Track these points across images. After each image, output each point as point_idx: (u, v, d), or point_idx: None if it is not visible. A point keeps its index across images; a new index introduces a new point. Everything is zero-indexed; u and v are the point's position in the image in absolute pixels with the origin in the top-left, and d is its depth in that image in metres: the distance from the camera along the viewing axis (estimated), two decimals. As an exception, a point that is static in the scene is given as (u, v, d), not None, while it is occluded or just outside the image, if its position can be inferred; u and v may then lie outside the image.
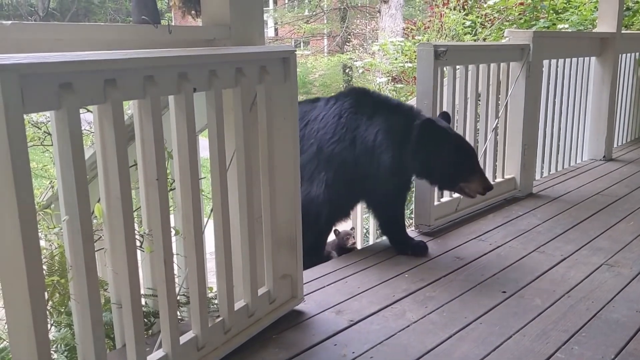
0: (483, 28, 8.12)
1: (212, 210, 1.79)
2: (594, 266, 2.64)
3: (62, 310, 1.94)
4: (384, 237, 3.02)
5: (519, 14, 7.78)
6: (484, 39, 7.80)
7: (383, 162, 2.62)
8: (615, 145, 5.22)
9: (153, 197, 1.56)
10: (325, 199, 2.67)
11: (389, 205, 2.91)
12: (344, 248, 3.83)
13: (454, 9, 8.33)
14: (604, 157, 4.85)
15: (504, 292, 2.38)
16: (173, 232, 1.75)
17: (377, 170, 2.65)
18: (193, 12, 2.06)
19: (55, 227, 2.02)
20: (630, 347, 1.95)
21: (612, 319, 2.14)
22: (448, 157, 2.66)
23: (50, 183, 2.47)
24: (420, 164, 2.65)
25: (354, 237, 3.82)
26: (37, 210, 1.90)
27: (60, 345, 1.88)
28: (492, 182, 3.58)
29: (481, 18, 8.26)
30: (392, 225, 2.92)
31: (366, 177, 2.69)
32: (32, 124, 2.36)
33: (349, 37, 18.79)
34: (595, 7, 6.70)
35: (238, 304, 1.92)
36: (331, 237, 3.70)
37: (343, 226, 3.51)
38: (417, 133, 2.59)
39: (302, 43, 21.77)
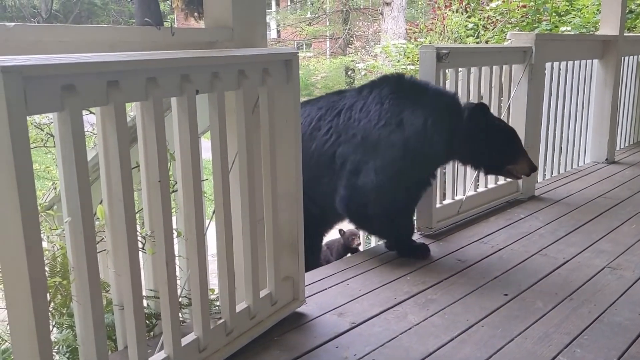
0: (485, 30, 8.12)
1: (214, 212, 1.80)
2: (597, 269, 2.63)
3: (64, 311, 1.94)
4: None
5: (522, 17, 7.78)
6: (487, 42, 7.80)
7: (435, 145, 2.62)
8: (617, 148, 5.21)
9: (155, 198, 1.56)
10: (376, 185, 2.62)
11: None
12: (350, 248, 3.80)
13: (457, 11, 8.34)
14: (607, 159, 4.84)
15: (506, 294, 2.37)
16: (175, 233, 1.76)
17: (428, 151, 2.64)
18: (196, 14, 2.07)
19: (57, 229, 2.03)
20: (632, 350, 1.94)
21: (615, 322, 2.14)
22: (498, 140, 2.73)
23: (52, 184, 2.47)
24: (470, 147, 2.70)
25: (359, 237, 3.80)
26: (40, 211, 1.90)
27: (62, 347, 1.89)
28: (494, 184, 3.60)
29: (484, 20, 8.26)
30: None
31: (414, 162, 2.65)
32: (35, 126, 2.37)
33: (352, 39, 18.81)
34: (597, 10, 6.70)
35: (240, 306, 1.92)
36: (335, 236, 3.69)
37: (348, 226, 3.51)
38: (471, 116, 2.64)
39: (304, 45, 21.79)
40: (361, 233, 3.68)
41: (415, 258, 2.76)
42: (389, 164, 2.63)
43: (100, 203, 1.76)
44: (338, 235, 3.72)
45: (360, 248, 3.74)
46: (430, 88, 2.77)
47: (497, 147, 2.74)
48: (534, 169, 2.89)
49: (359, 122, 2.67)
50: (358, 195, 2.66)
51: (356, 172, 2.66)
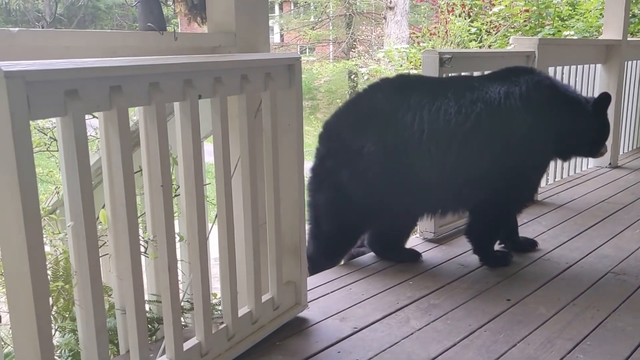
0: (488, 35, 8.13)
1: (216, 217, 1.80)
2: (600, 274, 2.63)
3: (67, 315, 1.95)
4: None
5: (524, 21, 7.79)
6: (489, 46, 7.81)
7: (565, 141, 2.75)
8: (620, 153, 5.20)
9: (158, 203, 1.56)
10: (526, 186, 2.79)
11: None
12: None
13: (459, 16, 8.35)
14: (610, 164, 4.83)
15: (509, 299, 2.37)
16: (177, 238, 1.76)
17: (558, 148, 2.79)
18: (199, 19, 2.07)
19: (60, 233, 2.03)
20: (635, 356, 1.94)
21: (618, 328, 2.13)
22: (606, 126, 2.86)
23: (55, 188, 2.48)
24: (590, 138, 2.83)
25: None
26: (43, 215, 1.90)
27: (65, 351, 1.89)
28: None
29: (486, 25, 8.28)
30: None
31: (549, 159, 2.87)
32: (38, 130, 2.38)
33: (355, 43, 18.82)
34: (600, 14, 6.70)
35: (242, 311, 1.92)
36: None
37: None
38: (599, 106, 2.77)
39: (307, 49, 21.83)
40: None
41: (495, 267, 2.72)
42: (538, 165, 2.77)
43: (103, 207, 1.76)
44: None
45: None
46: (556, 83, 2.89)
47: (605, 133, 2.87)
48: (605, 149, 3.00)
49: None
50: (509, 197, 2.71)
51: (513, 175, 2.63)
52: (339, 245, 2.77)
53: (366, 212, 2.61)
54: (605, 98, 2.80)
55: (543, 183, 4.26)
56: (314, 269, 2.62)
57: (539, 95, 2.64)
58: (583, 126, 2.76)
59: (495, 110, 2.54)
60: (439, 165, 2.51)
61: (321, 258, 2.68)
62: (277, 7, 22.23)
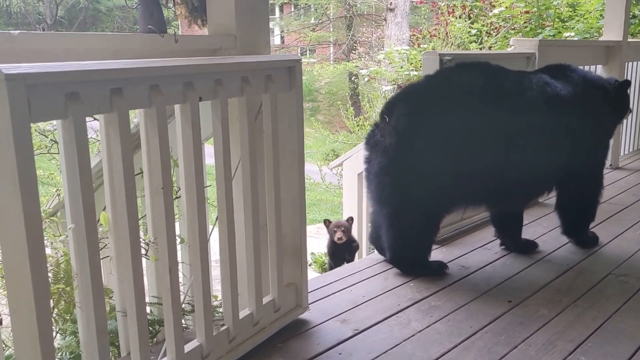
0: (488, 36, 8.14)
1: (217, 219, 1.80)
2: (601, 275, 2.62)
3: (68, 317, 1.94)
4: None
5: (525, 23, 7.79)
6: (490, 48, 7.81)
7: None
8: (621, 154, 5.20)
9: (158, 205, 1.57)
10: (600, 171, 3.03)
11: None
12: (333, 241, 3.63)
13: (460, 18, 8.36)
14: (611, 165, 4.83)
15: (510, 301, 2.37)
16: (178, 240, 1.76)
17: None
18: (199, 21, 2.07)
19: (61, 235, 2.03)
20: (637, 358, 1.93)
21: (619, 329, 2.13)
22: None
23: (56, 191, 2.47)
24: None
25: (344, 230, 3.63)
26: (43, 218, 1.90)
27: (65, 353, 1.89)
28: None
29: (487, 27, 8.28)
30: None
31: None
32: (38, 132, 2.37)
33: (355, 45, 18.85)
34: (601, 15, 6.70)
35: (243, 313, 1.92)
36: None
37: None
38: (620, 90, 2.98)
39: (308, 51, 21.86)
40: (344, 228, 3.57)
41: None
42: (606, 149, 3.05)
43: (104, 209, 1.76)
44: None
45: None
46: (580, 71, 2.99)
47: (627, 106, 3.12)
48: None
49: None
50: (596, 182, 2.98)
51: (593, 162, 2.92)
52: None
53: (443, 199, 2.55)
54: (627, 82, 3.11)
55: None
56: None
57: (593, 88, 2.88)
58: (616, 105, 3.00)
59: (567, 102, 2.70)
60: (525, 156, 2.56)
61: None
62: (277, 9, 22.26)
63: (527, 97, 2.56)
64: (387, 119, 2.49)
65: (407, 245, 2.60)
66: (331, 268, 3.54)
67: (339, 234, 3.57)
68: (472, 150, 2.45)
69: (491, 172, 2.50)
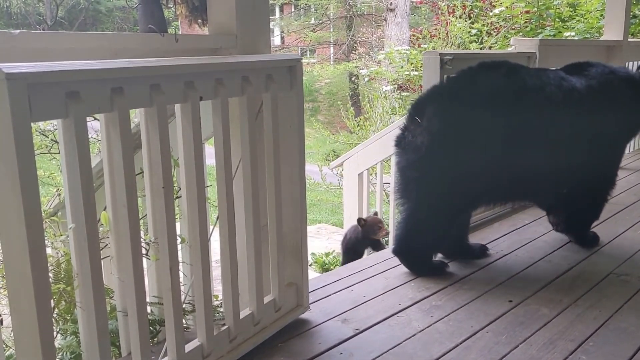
0: (489, 36, 8.14)
1: (217, 218, 1.80)
2: (602, 275, 2.62)
3: (68, 317, 1.94)
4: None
5: (525, 22, 7.79)
6: (490, 47, 7.81)
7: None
8: (622, 154, 5.19)
9: (159, 205, 1.57)
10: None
11: None
12: (370, 240, 3.55)
13: (460, 18, 8.36)
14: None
15: (511, 301, 2.36)
16: (179, 240, 1.76)
17: None
18: (200, 21, 2.07)
19: (61, 235, 2.03)
20: (638, 357, 1.93)
21: (621, 328, 2.12)
22: None
23: (57, 191, 2.47)
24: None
25: (384, 226, 3.51)
26: (44, 218, 1.90)
27: (66, 353, 1.89)
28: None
29: (487, 26, 8.28)
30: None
31: None
32: (39, 132, 2.38)
33: (355, 45, 18.85)
34: (601, 15, 6.70)
35: (243, 312, 1.91)
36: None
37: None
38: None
39: (308, 51, 21.86)
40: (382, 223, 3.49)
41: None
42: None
43: (105, 209, 1.76)
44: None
45: (388, 240, 3.52)
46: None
47: None
48: None
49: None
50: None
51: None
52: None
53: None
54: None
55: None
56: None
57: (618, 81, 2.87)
58: None
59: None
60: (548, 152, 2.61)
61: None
62: (277, 9, 22.27)
63: (549, 94, 2.59)
64: (419, 120, 2.52)
65: (419, 240, 2.62)
66: (350, 260, 3.45)
67: (384, 231, 3.50)
68: (503, 148, 2.49)
69: (520, 169, 2.55)
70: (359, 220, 3.64)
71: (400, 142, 2.59)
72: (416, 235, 2.60)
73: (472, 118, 2.47)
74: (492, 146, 2.48)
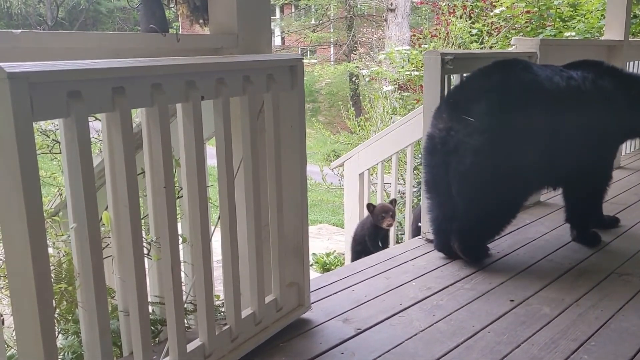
0: (489, 36, 8.13)
1: (219, 218, 1.80)
2: (603, 274, 2.62)
3: (70, 317, 1.94)
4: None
5: (526, 22, 7.79)
6: (491, 47, 7.80)
7: None
8: (623, 154, 5.19)
9: (160, 204, 1.56)
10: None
11: None
12: (378, 228, 3.40)
13: (461, 17, 8.35)
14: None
15: (512, 300, 2.36)
16: (180, 239, 1.75)
17: None
18: (201, 20, 2.07)
19: (63, 235, 2.03)
20: (640, 357, 1.93)
21: (622, 328, 2.12)
22: None
23: (58, 191, 2.48)
24: None
25: (392, 215, 3.39)
26: (46, 217, 1.90)
27: (68, 353, 1.88)
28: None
29: (487, 26, 8.27)
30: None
31: None
32: (40, 132, 2.38)
33: (356, 45, 18.86)
34: (602, 15, 6.70)
35: (245, 312, 1.91)
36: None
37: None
38: None
39: (308, 52, 21.87)
40: (392, 212, 3.38)
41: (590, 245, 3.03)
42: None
43: (106, 209, 1.76)
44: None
45: (392, 231, 3.44)
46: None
47: None
48: None
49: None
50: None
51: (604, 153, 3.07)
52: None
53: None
54: None
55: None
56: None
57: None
58: None
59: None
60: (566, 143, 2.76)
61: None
62: (278, 10, 22.27)
63: (573, 88, 2.80)
64: (472, 120, 2.64)
65: (486, 234, 2.81)
66: (358, 257, 3.38)
67: (388, 221, 3.38)
68: (549, 138, 2.69)
69: (558, 156, 2.75)
70: (369, 205, 3.51)
71: (444, 144, 2.66)
72: (484, 230, 2.77)
73: (525, 112, 2.64)
74: (542, 137, 2.67)
